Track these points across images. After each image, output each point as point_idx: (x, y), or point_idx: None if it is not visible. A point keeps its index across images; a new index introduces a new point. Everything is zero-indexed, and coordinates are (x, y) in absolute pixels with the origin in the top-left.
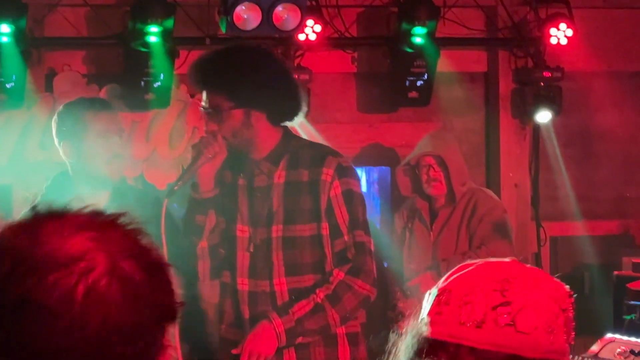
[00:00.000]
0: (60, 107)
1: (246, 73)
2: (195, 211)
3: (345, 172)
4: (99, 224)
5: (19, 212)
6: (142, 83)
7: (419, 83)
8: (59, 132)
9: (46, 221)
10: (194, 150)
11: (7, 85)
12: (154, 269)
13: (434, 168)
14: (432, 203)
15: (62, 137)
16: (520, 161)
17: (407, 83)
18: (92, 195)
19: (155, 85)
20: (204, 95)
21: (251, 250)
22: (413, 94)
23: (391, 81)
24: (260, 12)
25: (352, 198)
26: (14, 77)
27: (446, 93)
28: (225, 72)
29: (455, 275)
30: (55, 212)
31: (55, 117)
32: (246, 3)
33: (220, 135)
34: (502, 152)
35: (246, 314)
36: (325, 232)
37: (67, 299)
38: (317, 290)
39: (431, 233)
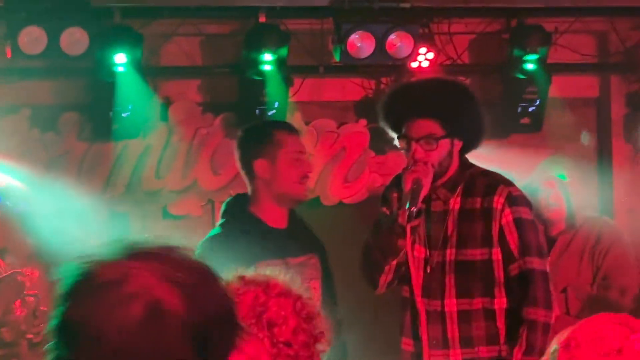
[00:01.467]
0: (248, 126)
1: (459, 104)
2: (399, 235)
3: (516, 201)
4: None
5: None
6: (257, 111)
7: (530, 109)
8: (250, 150)
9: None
10: (414, 183)
11: (124, 115)
12: (197, 302)
13: (554, 192)
14: (548, 228)
15: (255, 156)
16: (634, 186)
17: (519, 109)
18: (272, 215)
19: (270, 113)
20: (413, 122)
21: (427, 271)
22: (525, 120)
23: (503, 108)
24: (373, 40)
25: (523, 225)
26: (130, 107)
27: (558, 119)
28: (443, 102)
29: (567, 332)
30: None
31: (241, 136)
32: (360, 32)
33: (430, 164)
34: (615, 177)
35: (421, 331)
36: (496, 257)
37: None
38: (516, 351)
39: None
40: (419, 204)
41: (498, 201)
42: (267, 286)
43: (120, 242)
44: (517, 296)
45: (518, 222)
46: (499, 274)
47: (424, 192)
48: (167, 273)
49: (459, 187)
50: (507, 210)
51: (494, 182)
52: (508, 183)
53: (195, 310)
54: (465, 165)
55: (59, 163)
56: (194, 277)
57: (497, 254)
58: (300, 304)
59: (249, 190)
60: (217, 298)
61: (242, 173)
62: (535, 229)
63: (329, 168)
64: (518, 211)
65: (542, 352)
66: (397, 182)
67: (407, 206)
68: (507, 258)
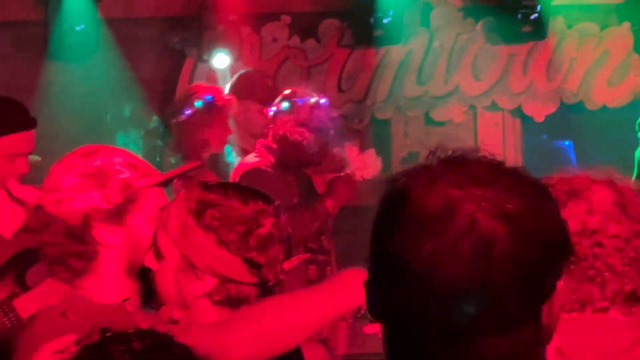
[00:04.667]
0: None
1: None
2: None
3: None
4: (488, 179)
5: (399, 146)
6: (519, 16)
7: None
8: None
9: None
10: None
11: (385, 21)
12: (527, 235)
13: None
14: None
15: None
16: None
17: None
18: None
19: (532, 17)
20: None
21: None
22: None
23: None
24: None
25: None
26: (391, 12)
27: None
28: None
29: None
30: (453, 161)
31: None
32: None
33: None
34: None
35: None
36: None
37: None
38: None
39: None
40: None
41: None
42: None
43: (439, 155)
44: None
45: None
46: None
47: None
48: (494, 204)
49: None
50: None
51: None
52: None
53: (525, 247)
54: None
55: (320, 70)
56: (524, 206)
57: None
58: None
59: None
60: (549, 228)
61: None
62: None
63: (592, 72)
64: None
65: None
66: None
67: None
68: None
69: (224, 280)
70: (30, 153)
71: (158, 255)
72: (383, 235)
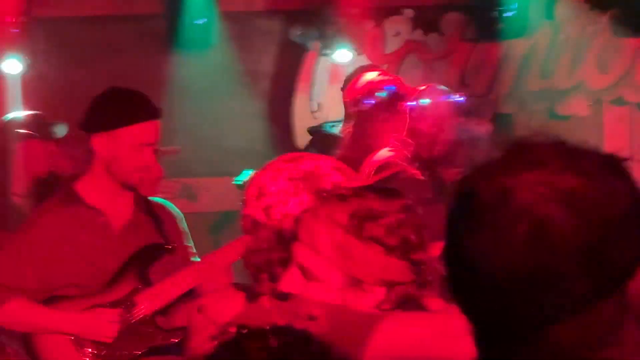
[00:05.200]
0: None
1: None
2: None
3: None
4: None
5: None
6: None
7: None
8: None
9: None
10: None
11: (508, 14)
12: (586, 214)
13: None
14: None
15: None
16: None
17: None
18: None
19: None
20: None
21: None
22: None
23: None
24: None
25: None
26: (515, 6)
27: None
28: None
29: None
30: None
31: None
32: None
33: None
34: None
35: None
36: None
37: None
38: None
39: None
40: None
41: None
42: None
43: (503, 144)
44: None
45: None
46: None
47: None
48: (549, 187)
49: None
50: None
51: None
52: None
53: (584, 226)
54: None
55: (443, 64)
56: (582, 184)
57: None
58: None
59: None
60: (614, 204)
61: None
62: None
63: None
64: None
65: None
66: None
67: None
68: None
69: (392, 285)
70: (157, 143)
71: (310, 278)
72: (448, 228)
